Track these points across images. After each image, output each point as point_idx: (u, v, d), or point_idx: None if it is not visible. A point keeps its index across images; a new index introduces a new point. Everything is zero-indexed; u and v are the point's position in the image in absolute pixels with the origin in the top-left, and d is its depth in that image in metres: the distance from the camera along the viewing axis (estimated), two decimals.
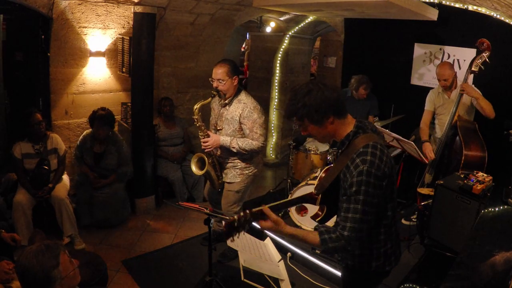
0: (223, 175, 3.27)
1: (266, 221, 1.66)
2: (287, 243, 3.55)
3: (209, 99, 3.12)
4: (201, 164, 3.23)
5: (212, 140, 3.07)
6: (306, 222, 3.74)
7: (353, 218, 1.59)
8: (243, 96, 3.12)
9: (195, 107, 3.07)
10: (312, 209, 1.83)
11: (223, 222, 1.66)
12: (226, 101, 3.11)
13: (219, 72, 3.00)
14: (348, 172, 1.63)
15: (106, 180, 3.86)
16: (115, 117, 4.06)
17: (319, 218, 1.86)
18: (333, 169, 1.76)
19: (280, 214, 4.35)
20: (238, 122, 3.07)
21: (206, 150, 3.13)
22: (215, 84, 3.03)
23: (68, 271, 1.66)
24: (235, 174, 3.22)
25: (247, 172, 3.23)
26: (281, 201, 1.79)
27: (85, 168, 3.87)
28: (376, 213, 1.66)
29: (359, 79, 4.37)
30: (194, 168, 3.24)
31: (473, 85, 3.47)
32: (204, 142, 3.09)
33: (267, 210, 1.65)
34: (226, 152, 3.16)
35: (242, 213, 1.60)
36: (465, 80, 3.35)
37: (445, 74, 3.50)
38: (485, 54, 3.26)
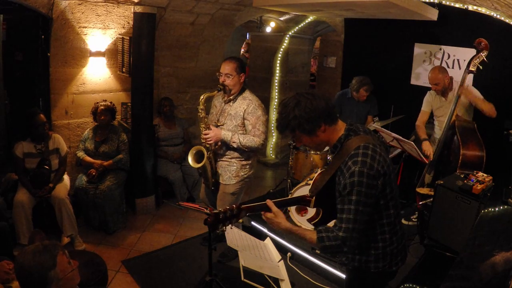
0: (219, 176, 3.24)
1: (267, 213, 1.73)
2: (287, 243, 3.55)
3: (215, 91, 3.12)
4: (198, 157, 3.19)
5: (213, 133, 3.05)
6: (306, 222, 3.73)
7: (347, 219, 1.60)
8: (247, 93, 3.13)
9: (201, 97, 3.08)
10: (311, 211, 1.83)
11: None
12: (231, 97, 3.11)
13: (228, 67, 3.02)
14: (341, 175, 1.64)
15: (103, 162, 3.84)
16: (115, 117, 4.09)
17: (314, 221, 1.85)
18: (327, 172, 1.77)
19: None
20: (241, 117, 3.07)
21: (206, 143, 3.11)
22: (222, 79, 3.04)
23: (65, 272, 1.65)
24: (230, 176, 3.19)
25: (242, 174, 3.21)
26: (275, 200, 1.79)
27: (83, 158, 3.88)
28: (373, 213, 1.66)
29: (361, 80, 4.34)
30: (190, 160, 3.19)
31: (473, 87, 3.44)
32: (205, 135, 3.07)
33: (270, 202, 1.72)
34: (225, 148, 3.15)
35: (228, 207, 1.65)
36: (463, 80, 3.31)
37: (436, 78, 3.48)
38: (483, 54, 3.23)
